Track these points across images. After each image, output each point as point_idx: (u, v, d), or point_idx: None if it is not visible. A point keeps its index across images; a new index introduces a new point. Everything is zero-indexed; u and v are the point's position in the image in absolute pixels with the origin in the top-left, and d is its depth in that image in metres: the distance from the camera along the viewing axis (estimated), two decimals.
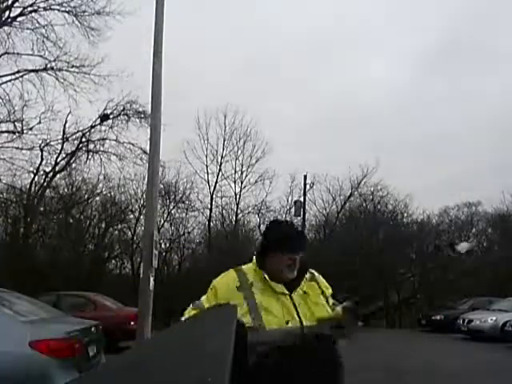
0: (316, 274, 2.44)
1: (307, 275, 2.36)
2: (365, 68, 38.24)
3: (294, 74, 36.26)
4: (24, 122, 18.12)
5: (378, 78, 37.50)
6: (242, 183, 24.62)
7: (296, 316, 2.18)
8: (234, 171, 24.60)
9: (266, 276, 2.23)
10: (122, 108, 19.76)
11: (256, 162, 24.61)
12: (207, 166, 24.25)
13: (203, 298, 2.31)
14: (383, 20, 38.99)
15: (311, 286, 2.33)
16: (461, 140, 36.22)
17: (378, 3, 38.60)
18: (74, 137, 19.83)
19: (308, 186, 25.17)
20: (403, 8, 39.37)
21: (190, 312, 2.25)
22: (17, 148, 18.36)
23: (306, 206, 25.10)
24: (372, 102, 35.25)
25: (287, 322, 2.15)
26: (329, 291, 2.40)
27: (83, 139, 19.79)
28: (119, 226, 22.38)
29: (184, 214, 23.30)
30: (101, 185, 21.89)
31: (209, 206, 23.88)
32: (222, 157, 24.47)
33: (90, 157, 19.79)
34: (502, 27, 37.34)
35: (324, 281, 2.44)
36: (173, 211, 22.92)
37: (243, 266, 2.36)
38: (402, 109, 37.38)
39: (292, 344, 2.08)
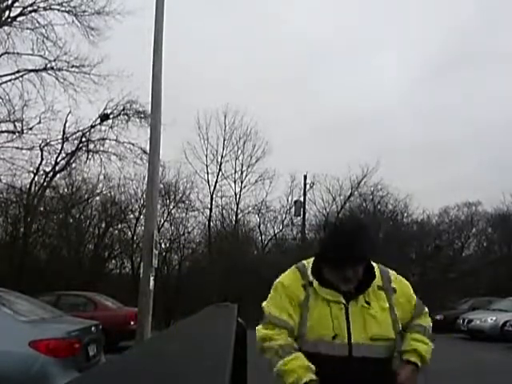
0: (400, 281, 2.12)
1: (379, 282, 2.04)
2: (367, 71, 38.25)
3: (295, 74, 36.30)
4: (24, 122, 18.15)
5: (380, 80, 37.59)
6: (242, 183, 24.62)
7: (345, 331, 1.93)
8: (234, 171, 24.60)
9: (317, 282, 2.02)
10: (122, 108, 19.77)
11: (256, 161, 24.61)
12: (207, 166, 24.26)
13: (268, 305, 2.07)
14: (386, 23, 38.97)
15: (378, 295, 2.02)
16: (461, 141, 36.24)
17: (380, 8, 38.62)
18: (73, 137, 19.85)
19: (308, 186, 25.17)
20: (407, 12, 39.43)
21: (268, 334, 1.99)
22: (17, 148, 18.38)
23: (306, 206, 25.10)
24: (373, 103, 35.27)
25: (334, 337, 1.92)
26: (408, 307, 2.09)
27: (83, 139, 19.79)
28: (119, 226, 22.36)
29: (184, 214, 23.30)
30: (101, 185, 21.91)
31: (209, 206, 23.88)
32: (222, 157, 24.48)
33: (90, 157, 19.81)
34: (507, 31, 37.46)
35: (408, 292, 2.12)
36: (173, 211, 22.91)
37: (305, 263, 2.14)
38: (402, 111, 37.49)
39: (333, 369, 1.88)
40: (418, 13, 39.56)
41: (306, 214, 25.05)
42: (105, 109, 19.69)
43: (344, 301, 1.96)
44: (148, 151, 10.31)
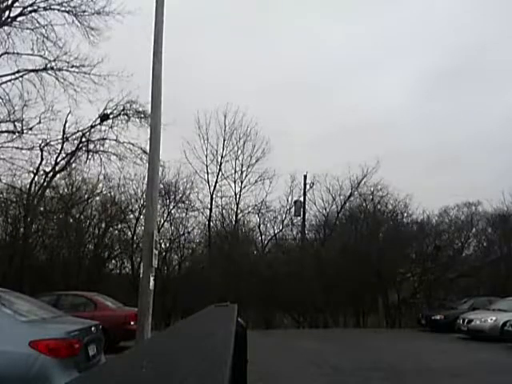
0: None
1: None
2: (369, 74, 38.37)
3: (296, 74, 36.30)
4: (24, 122, 18.14)
5: (382, 83, 37.63)
6: (242, 183, 24.61)
7: None
8: (234, 171, 24.59)
9: None
10: (121, 108, 19.77)
11: (256, 161, 24.59)
12: (207, 166, 24.26)
13: None
14: (388, 30, 39.01)
15: None
16: (461, 141, 36.28)
17: (382, 15, 38.69)
18: (74, 137, 19.84)
19: (308, 186, 25.19)
20: (409, 18, 39.50)
21: None
22: (17, 148, 18.38)
23: (306, 206, 25.10)
24: (373, 105, 35.41)
25: None
26: None
27: (83, 139, 19.79)
28: (119, 226, 22.36)
29: (184, 214, 23.30)
30: (101, 185, 21.91)
31: (209, 206, 23.88)
32: (222, 157, 24.47)
33: (89, 157, 19.79)
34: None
35: None
36: (173, 211, 22.91)
37: None
38: (403, 113, 37.59)
39: None
40: (419, 22, 39.83)
41: (306, 214, 25.09)
42: (105, 109, 19.71)
43: None
44: (148, 151, 10.31)
